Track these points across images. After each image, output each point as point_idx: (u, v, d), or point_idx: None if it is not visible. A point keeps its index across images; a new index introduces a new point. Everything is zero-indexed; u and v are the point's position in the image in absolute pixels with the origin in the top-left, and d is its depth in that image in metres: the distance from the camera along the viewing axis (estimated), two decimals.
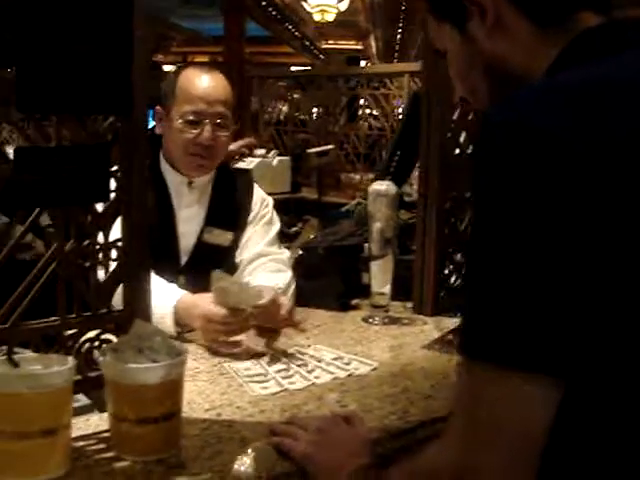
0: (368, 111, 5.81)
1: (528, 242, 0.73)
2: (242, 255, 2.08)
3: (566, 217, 0.72)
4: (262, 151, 4.48)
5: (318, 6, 11.19)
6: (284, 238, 2.61)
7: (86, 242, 1.15)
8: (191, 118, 1.95)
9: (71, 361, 1.07)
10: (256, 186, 2.20)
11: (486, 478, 0.77)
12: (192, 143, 1.96)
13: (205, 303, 1.66)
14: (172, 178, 2.04)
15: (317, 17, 11.58)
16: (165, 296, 1.71)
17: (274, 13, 11.69)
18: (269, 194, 2.25)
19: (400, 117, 5.80)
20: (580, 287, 0.72)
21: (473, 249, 0.81)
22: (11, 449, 1.00)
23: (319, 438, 1.15)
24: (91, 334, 1.20)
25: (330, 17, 11.59)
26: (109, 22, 1.09)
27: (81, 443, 1.15)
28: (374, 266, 1.92)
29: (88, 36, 1.07)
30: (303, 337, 1.75)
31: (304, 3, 11.33)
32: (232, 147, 1.84)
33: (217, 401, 1.35)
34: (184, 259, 2.03)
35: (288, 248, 2.43)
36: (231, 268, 2.03)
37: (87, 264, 1.15)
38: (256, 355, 1.61)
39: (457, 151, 1.70)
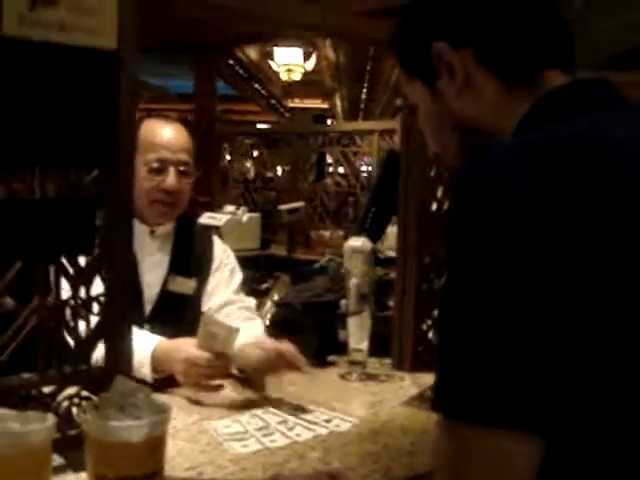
0: (338, 169, 5.87)
1: (500, 296, 0.74)
2: (209, 303, 2.08)
3: (533, 271, 0.72)
4: (231, 208, 4.48)
5: (285, 65, 11.35)
6: (255, 294, 2.60)
7: (67, 296, 1.12)
8: (155, 166, 1.97)
9: (51, 418, 1.04)
10: (215, 237, 2.23)
11: None
12: (156, 190, 1.97)
13: (188, 346, 1.65)
14: (135, 228, 2.03)
15: (284, 77, 11.74)
16: (142, 342, 1.69)
17: (241, 72, 11.81)
18: (238, 250, 2.27)
19: (366, 175, 5.88)
20: (553, 340, 0.73)
21: (446, 304, 0.81)
22: None
23: None
24: (70, 391, 1.17)
25: (296, 76, 11.75)
26: (94, 74, 1.08)
27: None
28: (351, 322, 1.92)
29: (73, 88, 1.07)
30: (281, 393, 1.72)
31: (271, 62, 11.48)
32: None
33: (197, 459, 1.32)
34: (148, 308, 2.01)
35: (260, 304, 2.42)
36: (197, 317, 2.01)
37: (68, 319, 1.13)
38: (235, 411, 1.59)
39: (435, 207, 1.71)
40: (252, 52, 10.67)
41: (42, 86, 1.04)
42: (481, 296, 0.75)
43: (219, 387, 1.68)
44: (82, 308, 1.13)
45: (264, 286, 3.61)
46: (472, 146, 1.01)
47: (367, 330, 1.91)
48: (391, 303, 2.26)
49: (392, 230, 2.60)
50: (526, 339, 0.73)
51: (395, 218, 2.56)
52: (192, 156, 2.09)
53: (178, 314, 1.94)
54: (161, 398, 1.24)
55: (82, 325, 1.17)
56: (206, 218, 3.82)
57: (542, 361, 0.73)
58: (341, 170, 6.04)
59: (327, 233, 5.20)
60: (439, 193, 1.72)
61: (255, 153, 6.55)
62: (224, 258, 2.16)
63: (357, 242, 2.15)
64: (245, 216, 4.45)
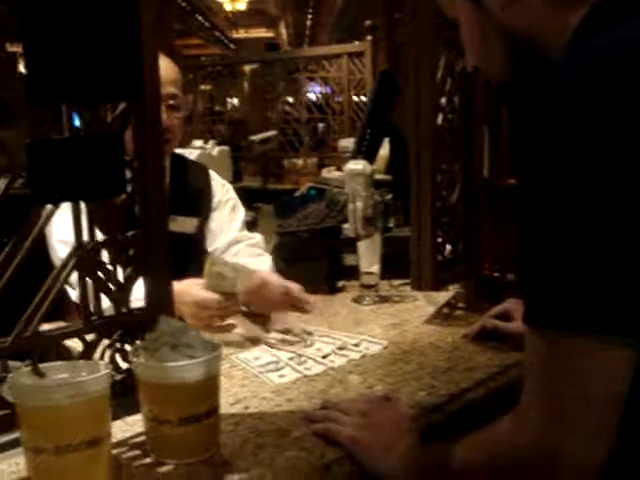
0: (287, 97, 5.75)
1: (591, 203, 0.73)
2: (214, 244, 2.04)
3: (626, 180, 0.71)
4: (200, 142, 4.39)
5: None
6: None
7: (104, 238, 1.08)
8: None
9: (104, 366, 1.00)
10: (212, 172, 2.17)
11: (570, 453, 0.75)
12: None
13: (196, 289, 1.62)
14: None
15: (228, 7, 11.47)
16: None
17: (184, 4, 11.50)
18: None
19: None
20: None
21: (533, 215, 0.78)
22: (56, 465, 0.93)
23: (364, 420, 1.12)
24: (114, 336, 1.13)
25: (241, 6, 11.50)
26: (115, 8, 1.02)
27: (113, 451, 1.09)
28: (361, 246, 1.89)
29: (95, 23, 1.00)
30: (301, 321, 1.70)
31: None
32: None
33: (239, 394, 1.30)
34: None
35: None
36: (201, 257, 1.97)
37: (107, 261, 1.08)
38: (258, 344, 1.57)
39: (440, 120, 1.68)
40: None
41: (65, 20, 0.97)
42: (577, 204, 0.74)
43: (231, 326, 1.65)
44: (120, 247, 1.08)
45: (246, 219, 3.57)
46: (518, 58, 0.98)
47: (378, 253, 1.89)
48: (391, 224, 2.25)
49: (382, 153, 2.57)
50: (617, 246, 0.72)
51: (386, 140, 2.54)
52: (181, 89, 2.01)
53: (183, 254, 1.89)
54: None
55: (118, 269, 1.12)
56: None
57: (631, 268, 0.72)
58: (289, 99, 5.96)
59: (300, 161, 5.14)
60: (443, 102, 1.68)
61: (205, 87, 6.39)
62: (224, 194, 2.11)
63: (357, 165, 2.13)
64: (215, 149, 4.37)
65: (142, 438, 1.10)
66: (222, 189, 2.12)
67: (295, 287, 1.66)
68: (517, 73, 0.99)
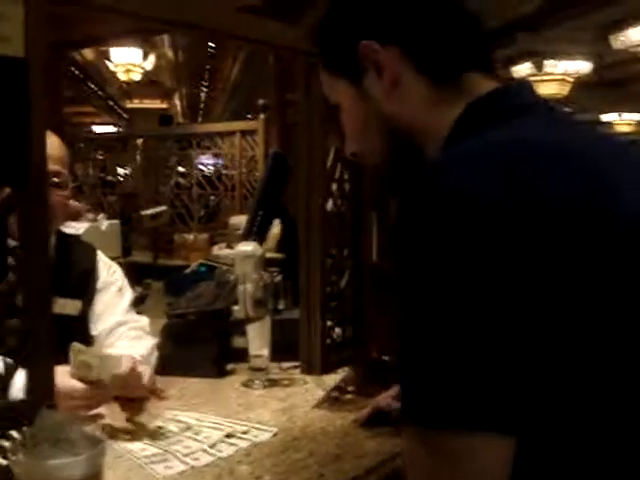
0: (177, 168, 5.74)
1: (465, 301, 0.74)
2: (99, 327, 1.98)
3: (501, 276, 0.73)
4: (90, 215, 4.30)
5: (123, 65, 11.02)
6: None
7: None
8: None
9: None
10: (99, 252, 2.12)
11: None
12: None
13: (63, 379, 1.54)
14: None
15: (122, 77, 11.39)
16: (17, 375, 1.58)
17: (77, 72, 11.37)
18: None
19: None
20: (520, 342, 0.73)
21: (407, 312, 0.80)
22: None
23: None
24: None
25: (136, 76, 11.44)
26: (3, 90, 1.00)
27: None
28: (251, 329, 1.88)
29: None
30: (186, 406, 1.66)
31: (108, 62, 11.11)
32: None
33: None
34: None
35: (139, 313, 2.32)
36: (84, 340, 1.91)
37: None
38: (142, 433, 1.52)
39: (330, 206, 1.71)
40: (88, 52, 10.29)
41: None
42: (447, 301, 0.75)
43: (99, 416, 1.58)
44: None
45: (134, 295, 3.49)
46: (396, 148, 1.00)
47: (267, 336, 1.89)
48: (281, 306, 2.25)
49: (275, 230, 2.58)
50: (493, 342, 0.73)
51: (276, 220, 2.55)
52: (66, 166, 1.97)
53: (65, 337, 1.81)
54: None
55: None
56: (63, 228, 3.64)
57: (509, 362, 0.73)
58: (180, 169, 5.95)
59: (191, 237, 5.10)
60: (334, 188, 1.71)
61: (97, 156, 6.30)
62: (110, 275, 2.05)
63: (248, 247, 2.12)
64: (105, 223, 4.27)
65: None
66: (109, 270, 2.06)
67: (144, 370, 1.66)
68: (395, 163, 1.02)
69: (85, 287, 1.97)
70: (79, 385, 1.53)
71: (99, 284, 2.00)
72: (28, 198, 1.06)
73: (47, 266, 1.06)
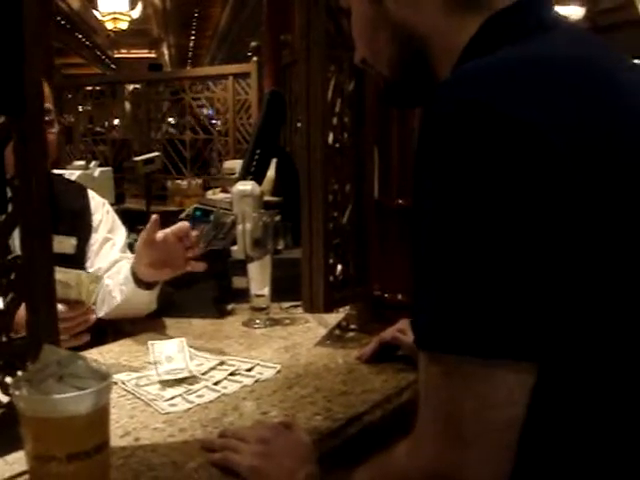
0: (168, 118, 5.68)
1: (494, 225, 0.71)
2: (96, 264, 1.96)
3: (532, 198, 0.70)
4: (81, 162, 4.25)
5: (110, 14, 10.83)
6: None
7: None
8: None
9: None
10: (91, 191, 2.10)
11: (468, 474, 0.74)
12: None
13: None
14: None
15: (109, 25, 11.20)
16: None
17: (63, 22, 11.17)
18: None
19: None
20: (548, 269, 0.71)
21: (431, 235, 0.77)
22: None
23: (264, 448, 1.08)
24: None
25: (123, 25, 11.26)
26: None
27: None
28: (252, 268, 1.86)
29: None
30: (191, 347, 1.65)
31: (95, 11, 10.91)
32: None
33: (129, 426, 1.24)
34: None
35: None
36: None
37: None
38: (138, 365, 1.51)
39: (331, 139, 1.67)
40: (74, 1, 10.12)
41: None
42: (476, 221, 0.72)
43: (82, 338, 1.60)
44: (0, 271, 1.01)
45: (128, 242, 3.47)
46: (408, 57, 0.95)
47: (268, 275, 1.87)
48: (280, 246, 2.23)
49: (269, 174, 2.55)
50: (519, 270, 0.71)
51: (273, 161, 2.52)
52: (52, 102, 1.95)
53: None
54: None
55: None
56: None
57: (536, 290, 0.71)
58: (171, 120, 5.89)
59: (184, 183, 5.05)
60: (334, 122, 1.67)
61: (85, 107, 6.22)
62: (104, 215, 2.03)
63: (246, 186, 2.10)
64: (97, 170, 4.23)
65: (25, 478, 1.03)
66: (102, 209, 2.05)
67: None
68: (406, 72, 0.97)
69: (80, 226, 1.96)
70: (59, 306, 1.51)
71: (94, 222, 1.98)
72: (25, 128, 1.02)
73: (46, 198, 1.02)
